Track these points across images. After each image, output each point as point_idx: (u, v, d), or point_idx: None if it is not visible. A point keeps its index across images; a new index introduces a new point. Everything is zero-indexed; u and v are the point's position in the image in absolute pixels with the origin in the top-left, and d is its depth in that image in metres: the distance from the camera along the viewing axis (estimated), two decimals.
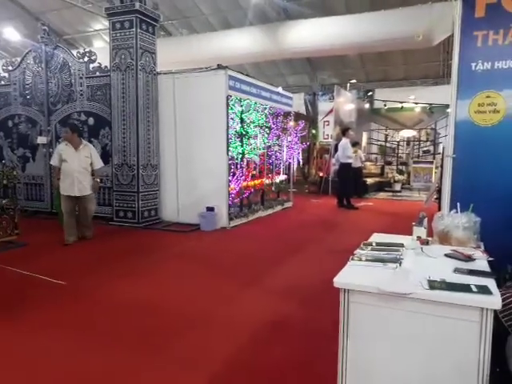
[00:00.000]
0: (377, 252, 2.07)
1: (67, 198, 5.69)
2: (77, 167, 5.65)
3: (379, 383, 1.65)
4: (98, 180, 6.09)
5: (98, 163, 5.99)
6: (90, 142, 7.31)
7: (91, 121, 7.30)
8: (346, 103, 13.49)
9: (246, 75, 7.61)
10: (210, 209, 6.71)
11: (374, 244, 2.22)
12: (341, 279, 1.70)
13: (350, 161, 9.49)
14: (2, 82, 8.23)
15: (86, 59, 7.30)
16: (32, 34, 11.69)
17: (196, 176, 6.97)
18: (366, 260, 1.94)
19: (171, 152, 7.20)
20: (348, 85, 14.81)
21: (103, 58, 7.35)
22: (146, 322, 3.20)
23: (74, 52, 7.63)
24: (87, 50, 7.60)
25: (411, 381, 1.59)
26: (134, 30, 6.70)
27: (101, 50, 9.41)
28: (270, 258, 5.12)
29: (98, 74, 7.21)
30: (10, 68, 8.09)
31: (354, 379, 1.68)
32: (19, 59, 8.06)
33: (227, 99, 6.66)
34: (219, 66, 6.79)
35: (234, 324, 3.19)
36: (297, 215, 8.50)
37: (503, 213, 2.44)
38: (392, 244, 2.21)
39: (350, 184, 9.63)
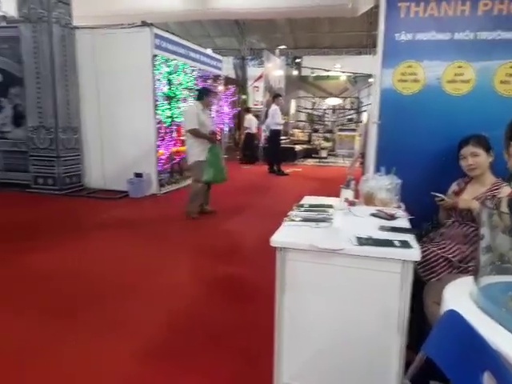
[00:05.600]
0: (309, 213, 2.16)
1: None
2: None
3: (314, 332, 1.77)
4: None
5: None
6: None
7: None
8: (275, 69, 13.50)
9: (173, 34, 7.25)
10: (139, 175, 6.47)
11: (305, 205, 2.31)
12: (276, 238, 1.75)
13: (279, 127, 9.63)
14: None
15: None
16: None
17: (122, 140, 6.62)
18: (299, 220, 2.02)
19: (94, 114, 6.73)
20: (277, 50, 14.79)
21: (6, 7, 6.53)
22: (70, 292, 3.07)
23: None
24: None
25: (343, 328, 1.73)
26: None
27: None
28: (205, 222, 5.12)
29: (3, 24, 6.41)
30: None
31: (291, 330, 1.79)
32: None
33: (153, 59, 6.32)
34: (144, 23, 6.38)
35: (167, 288, 3.18)
36: (229, 182, 8.51)
37: (421, 175, 2.65)
38: (322, 205, 2.31)
39: (280, 150, 9.82)
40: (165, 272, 3.52)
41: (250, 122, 11.50)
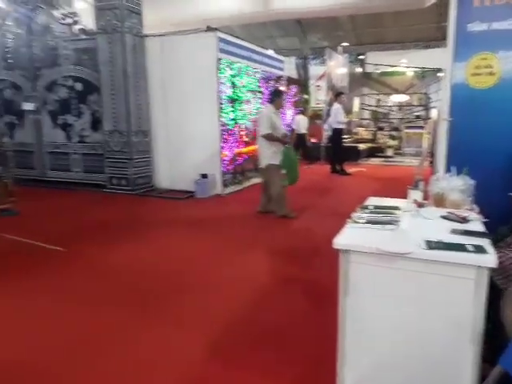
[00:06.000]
0: (374, 215, 2.10)
1: None
2: None
3: (378, 339, 1.73)
4: None
5: None
6: (78, 108, 7.18)
7: (79, 86, 7.11)
8: (338, 67, 13.25)
9: (237, 37, 7.40)
10: (204, 176, 6.70)
11: (370, 207, 2.26)
12: (340, 240, 1.73)
13: (342, 126, 9.46)
14: None
15: (69, 21, 7.02)
16: None
17: (189, 143, 6.90)
18: (364, 222, 1.98)
19: (162, 118, 7.08)
20: (340, 48, 14.52)
21: (85, 20, 7.08)
22: (143, 285, 3.27)
23: (56, 13, 7.31)
24: (69, 11, 7.30)
25: (408, 335, 1.66)
26: None
27: (82, 11, 9.02)
28: (268, 222, 5.18)
29: (83, 36, 6.96)
30: None
31: (354, 335, 1.76)
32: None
33: (218, 62, 6.51)
34: (209, 28, 6.59)
35: (234, 285, 3.26)
36: None
37: (496, 175, 2.48)
38: (388, 207, 2.25)
39: (342, 150, 9.63)
40: (231, 269, 3.62)
41: (299, 122, 11.38)
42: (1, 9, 7.42)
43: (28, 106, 7.51)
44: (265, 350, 2.37)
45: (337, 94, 9.86)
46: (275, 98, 5.28)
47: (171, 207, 6.09)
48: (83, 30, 6.95)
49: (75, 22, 6.99)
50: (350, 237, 1.79)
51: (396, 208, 2.22)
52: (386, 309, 1.69)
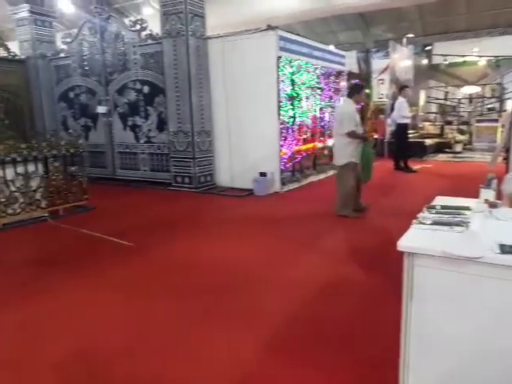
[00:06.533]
0: (441, 215, 2.01)
1: None
2: None
3: (446, 347, 1.65)
4: None
5: None
6: (146, 110, 7.56)
7: (146, 89, 7.50)
8: (402, 59, 12.70)
9: (297, 35, 7.38)
10: (263, 174, 6.78)
11: (437, 207, 2.16)
12: (405, 242, 1.68)
13: (406, 121, 9.08)
14: (62, 54, 8.59)
15: (137, 27, 7.40)
16: (85, 5, 11.93)
17: (248, 141, 7.01)
18: (430, 223, 1.90)
19: (223, 118, 7.26)
20: (404, 39, 13.91)
21: (152, 26, 7.42)
22: (207, 281, 3.38)
23: (126, 21, 7.76)
24: (138, 18, 7.69)
25: (476, 345, 1.58)
26: None
27: (150, 17, 9.48)
28: (326, 221, 5.13)
29: (149, 41, 7.31)
30: (68, 40, 8.40)
31: (418, 341, 1.69)
32: (76, 31, 8.32)
33: (278, 61, 6.53)
34: (269, 27, 6.63)
35: (292, 284, 3.28)
36: None
37: None
38: (457, 207, 2.13)
39: (407, 145, 9.24)
40: (290, 269, 3.63)
41: None
42: (78, 20, 8.01)
43: (101, 110, 8.05)
44: (325, 350, 2.36)
45: (401, 88, 9.48)
46: (355, 92, 5.10)
47: (231, 205, 6.23)
48: (150, 35, 7.30)
49: (143, 28, 7.36)
50: (415, 239, 1.73)
51: (466, 208, 2.10)
52: (454, 316, 1.61)
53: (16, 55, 8.57)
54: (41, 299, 3.13)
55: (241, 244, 4.39)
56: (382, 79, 13.31)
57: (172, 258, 3.99)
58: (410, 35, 14.69)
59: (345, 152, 4.99)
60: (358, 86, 5.38)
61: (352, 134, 4.91)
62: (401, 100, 9.03)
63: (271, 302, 3.01)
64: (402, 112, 8.94)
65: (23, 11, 8.74)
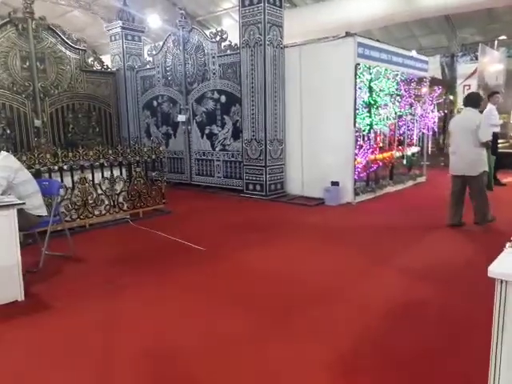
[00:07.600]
0: None
1: None
2: None
3: None
4: None
5: None
6: (222, 119, 7.79)
7: (223, 98, 7.73)
8: (492, 63, 11.74)
9: (377, 41, 7.14)
10: (335, 183, 6.62)
11: None
12: (497, 269, 1.51)
13: (495, 129, 8.34)
14: (148, 66, 9.18)
15: (217, 38, 7.67)
16: (170, 19, 12.69)
17: (321, 150, 6.91)
18: None
19: (296, 126, 7.23)
20: (496, 42, 12.85)
21: (232, 36, 7.64)
22: (275, 292, 3.36)
23: (207, 32, 8.08)
24: (219, 29, 7.97)
25: None
26: (261, 4, 6.78)
27: (229, 28, 9.78)
28: (402, 235, 4.88)
29: (228, 52, 7.53)
30: (154, 52, 8.95)
31: (509, 381, 1.52)
32: (161, 43, 8.85)
33: (356, 68, 6.37)
34: (347, 34, 6.50)
35: (363, 301, 3.14)
36: (431, 191, 7.86)
37: None
38: None
39: (496, 156, 8.48)
40: (362, 283, 3.50)
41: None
42: (163, 33, 8.49)
43: (181, 118, 8.45)
44: (393, 377, 2.21)
45: (490, 94, 8.73)
46: (480, 102, 5.21)
47: (300, 214, 6.16)
48: (229, 46, 7.52)
49: (224, 39, 7.60)
50: (509, 265, 1.55)
51: None
52: None
53: (108, 68, 9.33)
54: (121, 296, 3.32)
55: (308, 255, 4.31)
56: (468, 85, 12.42)
57: (239, 265, 4.01)
58: (503, 37, 13.57)
59: (481, 161, 4.98)
60: (480, 95, 5.53)
61: (486, 144, 4.94)
62: (490, 107, 8.32)
63: (341, 317, 2.89)
64: (491, 120, 8.22)
65: (116, 27, 9.53)
